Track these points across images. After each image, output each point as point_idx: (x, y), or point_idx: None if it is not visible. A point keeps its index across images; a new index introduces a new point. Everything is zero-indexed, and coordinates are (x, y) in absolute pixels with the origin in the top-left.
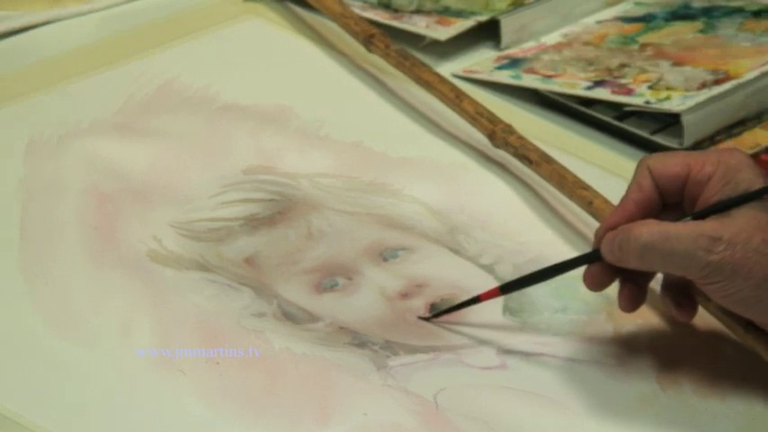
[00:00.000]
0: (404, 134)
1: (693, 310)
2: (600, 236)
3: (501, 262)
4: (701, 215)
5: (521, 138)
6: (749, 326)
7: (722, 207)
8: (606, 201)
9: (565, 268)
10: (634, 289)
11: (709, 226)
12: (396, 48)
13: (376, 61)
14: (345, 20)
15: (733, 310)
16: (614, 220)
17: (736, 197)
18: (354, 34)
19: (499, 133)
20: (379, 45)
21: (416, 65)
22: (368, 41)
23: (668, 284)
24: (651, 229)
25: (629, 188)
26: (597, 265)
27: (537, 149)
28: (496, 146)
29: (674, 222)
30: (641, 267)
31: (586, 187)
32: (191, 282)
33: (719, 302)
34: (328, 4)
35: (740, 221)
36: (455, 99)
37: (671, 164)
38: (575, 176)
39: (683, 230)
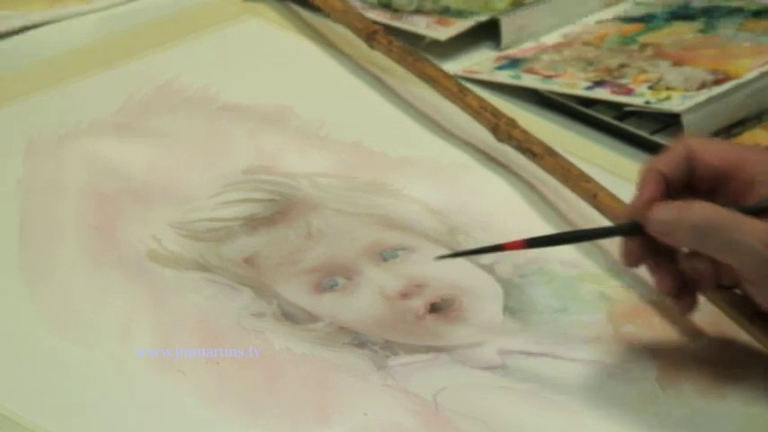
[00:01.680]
0: (404, 134)
1: (694, 304)
2: (637, 208)
3: (501, 262)
4: (754, 211)
5: (524, 131)
6: (755, 317)
7: None
8: (611, 194)
9: (598, 235)
10: (673, 270)
11: None
12: (398, 44)
13: (376, 61)
14: (348, 17)
15: None
16: (650, 194)
17: None
18: (357, 31)
19: (503, 127)
20: (382, 41)
21: (419, 60)
22: (370, 38)
23: (669, 272)
24: (716, 211)
25: (660, 161)
26: (636, 240)
27: (541, 143)
28: (500, 140)
29: (734, 211)
30: (691, 245)
31: (590, 180)
32: (190, 282)
33: (762, 302)
34: (330, 2)
35: None
36: (458, 94)
37: (716, 151)
38: (579, 169)
39: (745, 220)
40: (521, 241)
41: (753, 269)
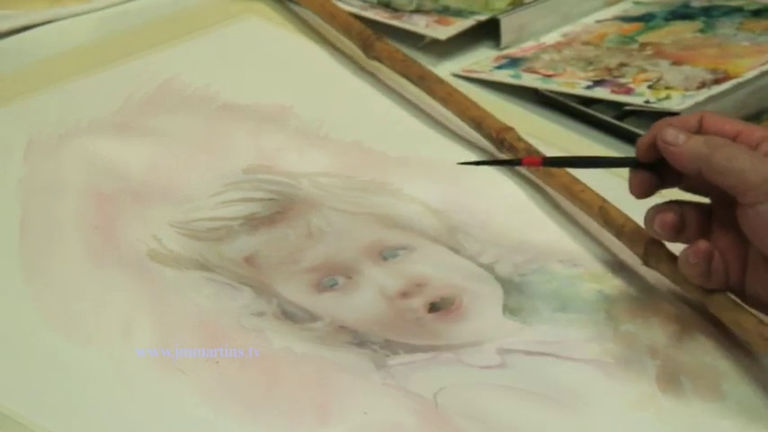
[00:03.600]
0: (403, 133)
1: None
2: (645, 141)
3: (501, 261)
4: None
5: (527, 143)
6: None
7: None
8: (616, 207)
9: (613, 163)
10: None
11: None
12: (396, 49)
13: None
14: (345, 21)
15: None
16: (660, 126)
17: None
18: (355, 36)
19: (508, 138)
20: (381, 48)
21: (416, 65)
22: (368, 47)
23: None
24: (716, 138)
25: (671, 119)
26: (642, 171)
27: (541, 154)
28: (500, 150)
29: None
30: (695, 160)
31: (595, 193)
32: (191, 281)
33: (754, 234)
34: (330, 10)
35: None
36: (465, 109)
37: (724, 122)
38: (582, 184)
39: (746, 148)
40: (538, 159)
41: (753, 189)
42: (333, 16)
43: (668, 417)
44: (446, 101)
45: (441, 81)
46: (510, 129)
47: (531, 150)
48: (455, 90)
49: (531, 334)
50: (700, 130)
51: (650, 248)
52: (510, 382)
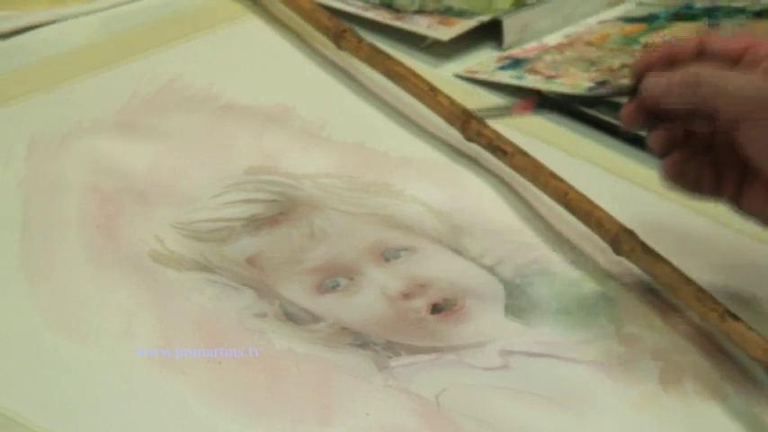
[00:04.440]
0: (406, 134)
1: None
2: (639, 68)
3: (503, 262)
4: None
5: (495, 130)
6: (726, 314)
7: None
8: (581, 193)
9: (599, 100)
10: (666, 132)
11: None
12: (368, 43)
13: None
14: (315, 15)
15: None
16: (648, 58)
17: None
18: (325, 30)
19: (473, 125)
20: (351, 40)
21: (389, 59)
22: (339, 37)
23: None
24: (701, 66)
25: (670, 42)
26: (635, 102)
27: (511, 142)
28: (469, 138)
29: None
30: (681, 100)
31: (561, 179)
32: (192, 282)
33: (756, 150)
34: (298, 1)
35: None
36: (429, 92)
37: (729, 38)
38: (549, 169)
39: (732, 72)
40: (530, 104)
41: (739, 108)
42: (300, 7)
43: (670, 418)
44: (413, 93)
45: (413, 75)
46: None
47: (502, 138)
48: (424, 82)
49: (534, 335)
50: (700, 48)
51: (622, 236)
52: (512, 383)
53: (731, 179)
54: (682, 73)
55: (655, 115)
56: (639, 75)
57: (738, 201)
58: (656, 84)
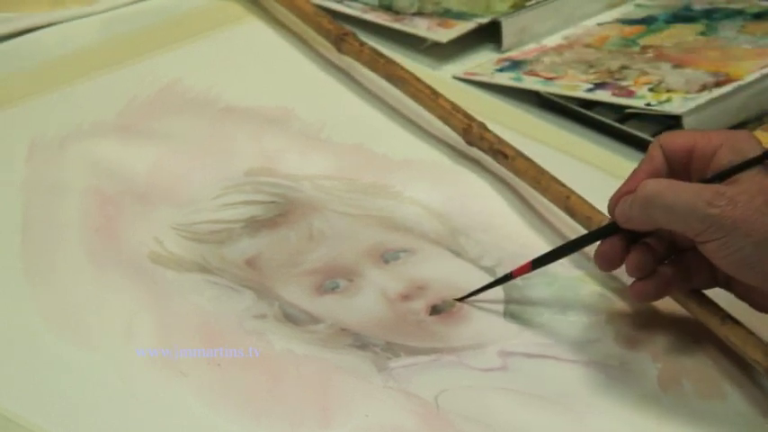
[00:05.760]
0: (405, 136)
1: (655, 293)
2: (613, 205)
3: (502, 264)
4: (708, 181)
5: (496, 135)
6: (726, 318)
7: (727, 173)
8: (582, 198)
9: (586, 241)
10: (644, 254)
11: (714, 185)
12: (369, 47)
13: None
14: (317, 18)
15: (733, 274)
16: (626, 188)
17: (738, 163)
18: (326, 33)
19: (475, 129)
20: (353, 44)
21: (390, 63)
22: (339, 40)
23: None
24: (657, 182)
25: (641, 162)
26: (608, 242)
27: (512, 146)
28: (470, 142)
29: (682, 181)
30: (645, 223)
31: (562, 183)
32: (192, 283)
33: (720, 264)
34: (299, 4)
35: (744, 184)
36: (431, 96)
37: (680, 138)
38: (550, 173)
39: (688, 186)
40: (527, 265)
41: (699, 228)
42: (301, 11)
43: (669, 418)
44: (415, 96)
45: (415, 79)
46: (479, 122)
47: (503, 142)
48: (426, 86)
49: (533, 336)
50: (666, 159)
51: None
52: (511, 384)
53: (719, 273)
54: (640, 192)
55: (636, 238)
56: (614, 209)
57: (730, 289)
58: (620, 213)
